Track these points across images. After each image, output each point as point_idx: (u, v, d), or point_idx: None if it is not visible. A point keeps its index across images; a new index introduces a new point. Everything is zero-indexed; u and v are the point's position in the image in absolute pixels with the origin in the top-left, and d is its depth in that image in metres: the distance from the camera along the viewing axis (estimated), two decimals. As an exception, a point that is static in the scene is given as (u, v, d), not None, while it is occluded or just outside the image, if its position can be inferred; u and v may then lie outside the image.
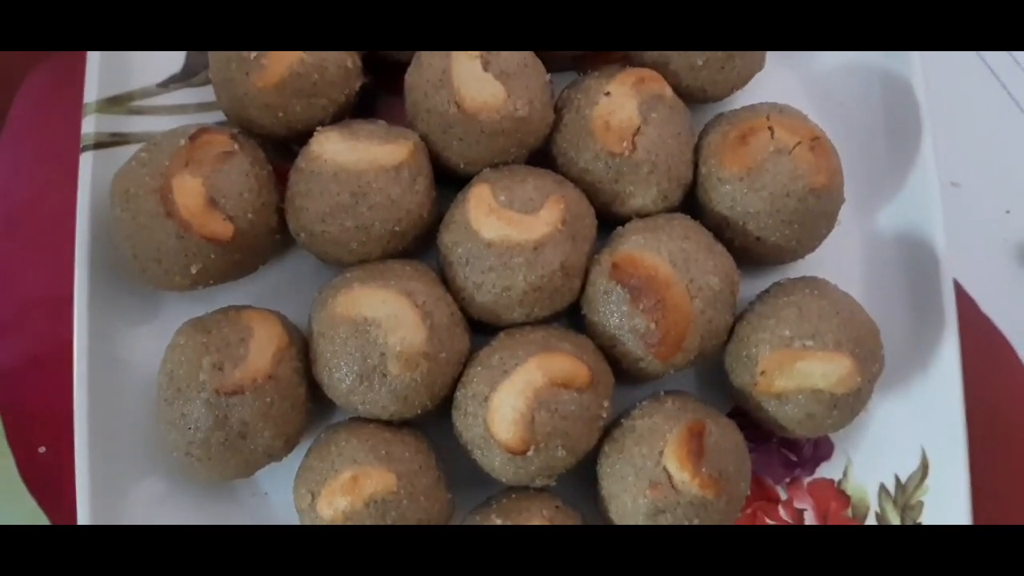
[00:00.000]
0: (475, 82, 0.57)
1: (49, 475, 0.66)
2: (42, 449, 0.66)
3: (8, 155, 0.70)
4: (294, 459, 0.60)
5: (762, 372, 0.57)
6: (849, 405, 0.57)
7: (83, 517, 0.59)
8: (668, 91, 0.61)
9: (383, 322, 0.55)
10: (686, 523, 0.55)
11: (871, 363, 0.57)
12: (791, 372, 0.57)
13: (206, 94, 0.66)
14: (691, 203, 0.63)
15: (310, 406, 0.59)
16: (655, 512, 0.55)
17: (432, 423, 0.60)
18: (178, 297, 0.63)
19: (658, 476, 0.55)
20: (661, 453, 0.55)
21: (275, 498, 0.63)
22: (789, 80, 0.69)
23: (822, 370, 0.56)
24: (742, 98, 0.65)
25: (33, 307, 0.68)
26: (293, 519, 0.59)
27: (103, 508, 0.59)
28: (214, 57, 0.60)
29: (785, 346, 0.57)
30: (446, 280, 0.60)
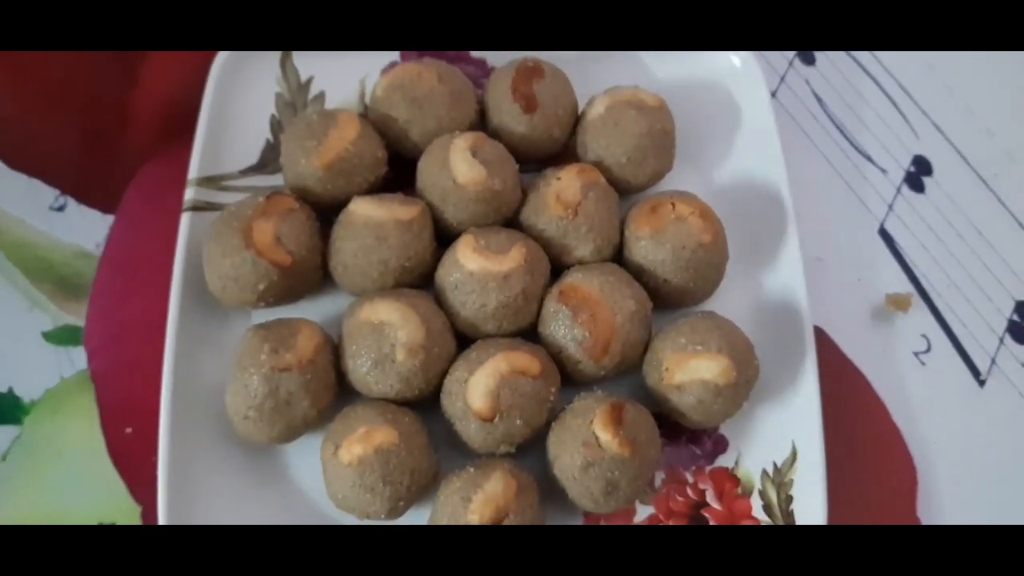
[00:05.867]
0: (466, 165, 0.80)
1: (131, 450, 0.84)
2: (128, 430, 0.85)
3: (122, 225, 0.94)
4: (316, 446, 0.79)
5: (666, 369, 0.78)
6: (729, 395, 0.76)
7: (162, 484, 0.76)
8: (602, 180, 0.84)
9: (394, 323, 0.76)
10: (609, 475, 0.73)
11: (746, 366, 0.78)
12: (686, 368, 0.77)
13: (274, 180, 0.89)
14: (619, 259, 0.85)
15: (338, 390, 0.79)
16: (586, 465, 0.73)
17: (425, 414, 0.80)
18: (244, 321, 0.84)
19: (588, 438, 0.74)
20: (591, 422, 0.74)
21: (301, 472, 0.82)
22: (692, 181, 0.90)
23: (707, 366, 0.76)
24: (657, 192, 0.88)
25: (129, 328, 0.89)
26: (315, 481, 0.78)
27: (176, 475, 0.77)
28: (285, 144, 0.83)
29: (682, 349, 0.78)
30: (440, 302, 0.81)
